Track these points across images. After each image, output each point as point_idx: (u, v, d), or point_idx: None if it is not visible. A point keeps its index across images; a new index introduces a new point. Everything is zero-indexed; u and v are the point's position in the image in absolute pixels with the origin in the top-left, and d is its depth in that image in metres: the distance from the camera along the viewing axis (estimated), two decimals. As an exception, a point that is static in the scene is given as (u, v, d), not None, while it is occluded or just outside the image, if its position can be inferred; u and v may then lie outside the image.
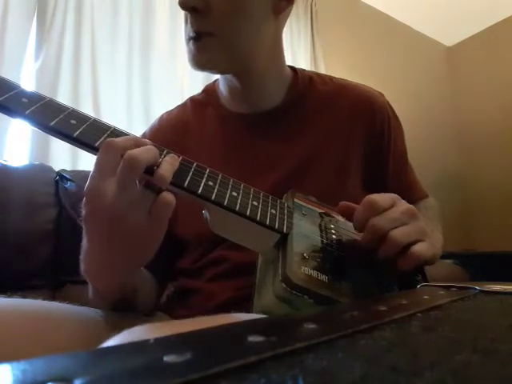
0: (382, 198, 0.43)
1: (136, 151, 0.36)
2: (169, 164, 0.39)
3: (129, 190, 0.35)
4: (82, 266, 0.42)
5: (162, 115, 0.71)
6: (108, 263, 0.40)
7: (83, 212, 0.37)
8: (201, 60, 0.56)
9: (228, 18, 0.54)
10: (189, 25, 0.55)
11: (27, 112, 0.36)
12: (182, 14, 0.58)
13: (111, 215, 0.35)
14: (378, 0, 2.74)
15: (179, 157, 0.42)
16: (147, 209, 0.37)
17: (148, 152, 0.37)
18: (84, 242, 0.40)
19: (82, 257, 0.42)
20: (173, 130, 0.67)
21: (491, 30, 3.01)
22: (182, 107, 0.71)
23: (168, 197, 0.38)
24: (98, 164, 0.36)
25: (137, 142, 0.38)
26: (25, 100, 0.37)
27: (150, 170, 0.37)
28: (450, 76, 3.24)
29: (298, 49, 2.27)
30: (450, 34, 3.14)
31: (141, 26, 1.80)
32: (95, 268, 0.41)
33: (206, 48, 0.55)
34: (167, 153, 0.41)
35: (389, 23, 2.91)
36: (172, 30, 1.88)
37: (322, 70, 2.25)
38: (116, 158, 0.36)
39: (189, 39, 0.56)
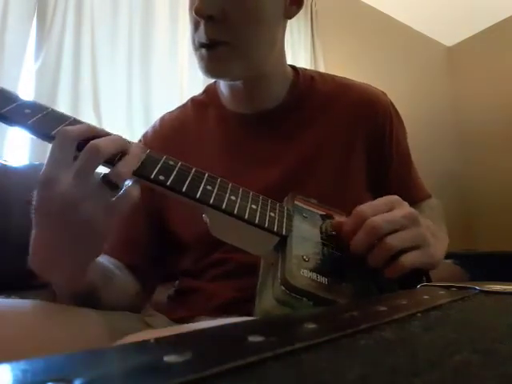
0: (372, 206, 0.42)
1: (99, 141, 0.35)
2: (131, 158, 0.38)
3: (85, 180, 0.35)
4: (30, 258, 0.39)
5: (164, 116, 0.71)
6: (57, 254, 0.38)
7: (35, 200, 0.36)
8: (216, 69, 0.55)
9: (244, 27, 0.53)
10: (201, 31, 0.53)
11: (29, 122, 0.37)
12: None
13: (64, 203, 0.34)
14: (378, 0, 2.74)
15: (178, 163, 0.42)
16: (104, 201, 0.36)
17: (111, 143, 0.36)
18: (33, 233, 0.38)
19: (30, 248, 0.39)
20: (174, 131, 0.67)
21: (491, 29, 3.01)
22: (182, 108, 0.71)
23: (132, 191, 0.37)
24: (52, 152, 0.36)
25: (92, 131, 0.38)
26: (27, 111, 0.38)
27: (113, 161, 0.37)
28: (450, 76, 3.24)
29: (298, 49, 2.27)
30: (450, 34, 3.14)
31: (141, 26, 1.80)
32: (42, 258, 0.39)
33: (221, 57, 0.54)
34: (166, 159, 0.41)
35: (389, 23, 2.91)
36: (172, 30, 1.88)
37: (322, 70, 2.25)
38: (70, 147, 0.36)
39: (200, 46, 0.54)
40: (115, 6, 1.74)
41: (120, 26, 1.74)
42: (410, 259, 0.40)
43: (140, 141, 0.69)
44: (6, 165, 1.11)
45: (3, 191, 1.02)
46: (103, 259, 0.52)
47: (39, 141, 1.32)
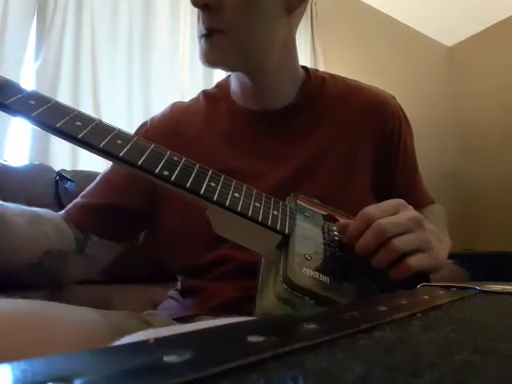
0: (378, 208, 0.42)
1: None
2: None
3: None
4: None
5: (174, 104, 0.72)
6: None
7: None
8: (212, 57, 0.56)
9: (240, 16, 0.54)
10: (200, 22, 0.55)
11: (34, 114, 0.37)
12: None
13: None
14: (378, 0, 2.74)
15: (182, 159, 0.42)
16: None
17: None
18: None
19: None
20: (183, 116, 0.67)
21: (491, 29, 3.01)
22: (195, 99, 0.71)
23: None
24: None
25: None
26: (32, 102, 0.38)
27: None
28: (450, 76, 3.24)
29: (298, 49, 2.27)
30: (450, 34, 3.14)
31: (141, 25, 1.80)
32: None
33: (217, 45, 0.55)
34: (171, 154, 0.41)
35: (389, 23, 2.91)
36: (172, 29, 1.88)
37: (322, 70, 2.25)
38: None
39: (201, 36, 0.56)
40: (115, 5, 1.74)
41: (120, 26, 1.74)
42: (416, 261, 0.40)
43: (146, 123, 0.70)
44: (5, 165, 1.11)
45: (3, 191, 1.02)
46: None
47: (39, 141, 1.32)
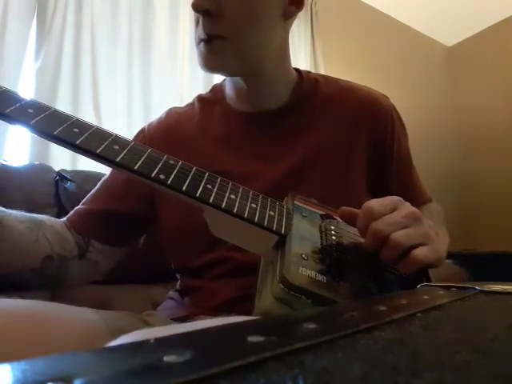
0: (380, 203, 0.42)
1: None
2: None
3: None
4: None
5: (170, 109, 0.72)
6: None
7: None
8: (211, 62, 0.56)
9: (240, 22, 0.54)
10: (200, 27, 0.55)
11: (32, 122, 0.38)
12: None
13: None
14: (378, 0, 2.74)
15: (179, 162, 0.42)
16: None
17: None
18: None
19: None
20: (178, 122, 0.68)
21: (491, 29, 3.01)
22: (190, 105, 0.72)
23: None
24: None
25: None
26: (30, 110, 0.38)
27: None
28: (450, 76, 3.24)
29: (298, 49, 2.27)
30: (450, 34, 3.14)
31: (141, 26, 1.80)
32: None
33: (217, 51, 0.56)
34: (167, 158, 0.42)
35: (389, 23, 2.91)
36: (172, 29, 1.88)
37: (322, 70, 2.26)
38: None
39: (199, 41, 0.56)
40: (115, 5, 1.74)
41: (120, 26, 1.74)
42: (423, 254, 0.40)
43: (144, 129, 0.70)
44: (6, 165, 1.11)
45: (3, 191, 1.02)
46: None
47: (39, 141, 1.32)
